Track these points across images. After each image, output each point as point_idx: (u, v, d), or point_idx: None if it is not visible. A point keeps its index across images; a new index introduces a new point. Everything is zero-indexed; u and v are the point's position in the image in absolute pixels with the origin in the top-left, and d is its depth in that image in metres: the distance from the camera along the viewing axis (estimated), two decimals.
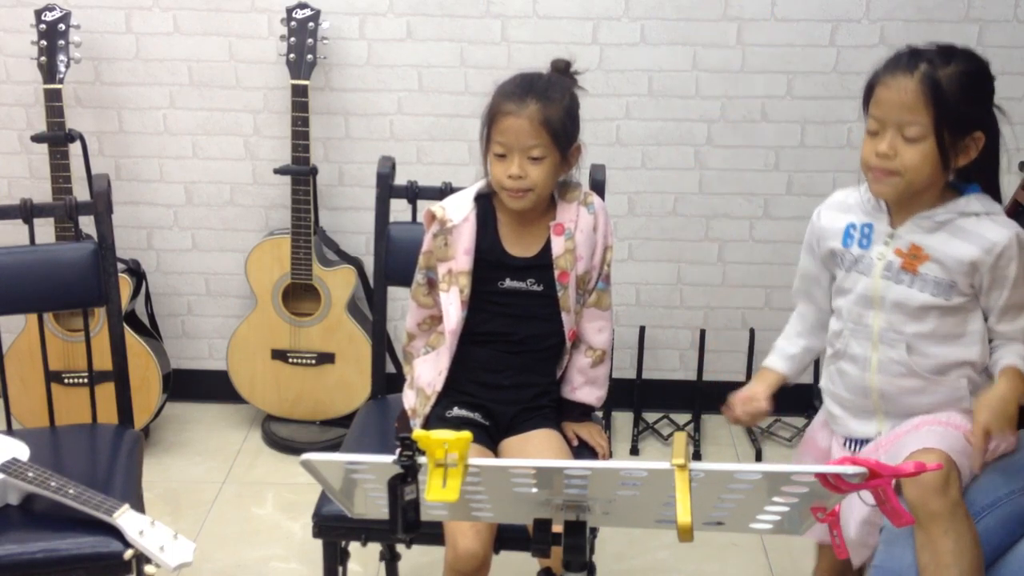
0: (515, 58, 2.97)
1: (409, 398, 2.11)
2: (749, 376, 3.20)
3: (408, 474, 1.15)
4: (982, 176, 1.81)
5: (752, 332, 3.17)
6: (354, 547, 2.12)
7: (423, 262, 2.07)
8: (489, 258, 2.01)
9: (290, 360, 3.08)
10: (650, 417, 3.22)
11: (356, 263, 3.08)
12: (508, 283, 2.02)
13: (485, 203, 2.04)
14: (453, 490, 1.11)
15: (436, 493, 1.12)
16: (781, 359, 2.06)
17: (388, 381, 2.36)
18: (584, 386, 2.10)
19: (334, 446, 3.09)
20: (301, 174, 2.93)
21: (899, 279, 1.81)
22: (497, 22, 2.95)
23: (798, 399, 3.19)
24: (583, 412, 2.12)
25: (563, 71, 2.04)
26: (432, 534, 1.93)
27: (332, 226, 3.14)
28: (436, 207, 2.01)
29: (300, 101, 2.88)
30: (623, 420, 3.19)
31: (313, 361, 3.08)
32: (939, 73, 1.70)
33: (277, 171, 2.95)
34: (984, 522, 1.68)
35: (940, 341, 1.82)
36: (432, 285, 2.07)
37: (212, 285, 3.24)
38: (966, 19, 2.90)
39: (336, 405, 3.12)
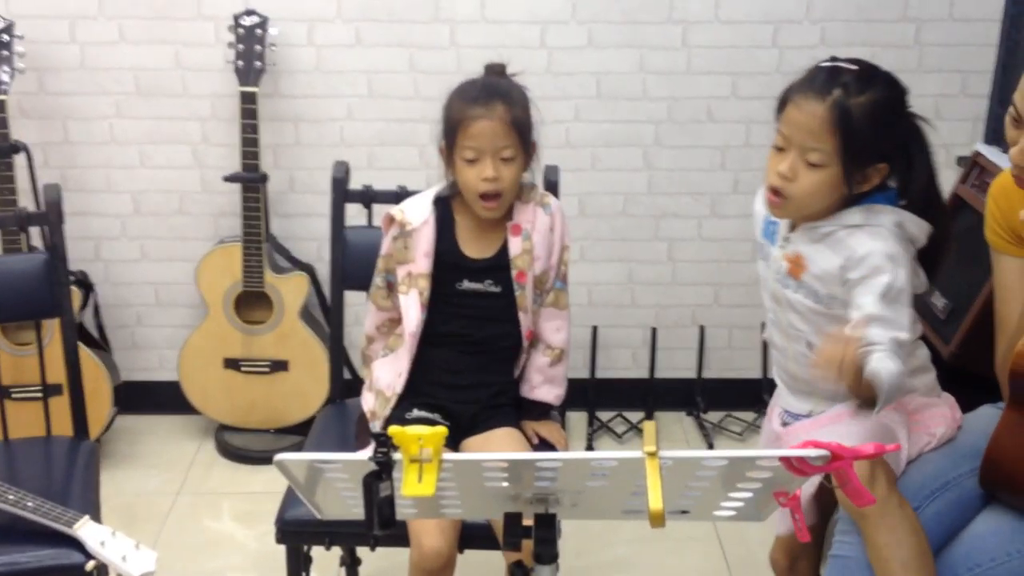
0: (464, 63, 2.98)
1: (368, 401, 2.12)
2: (700, 372, 3.26)
3: (383, 471, 1.16)
4: (912, 186, 1.77)
5: (702, 329, 3.22)
6: (314, 554, 2.12)
7: (382, 265, 2.08)
8: (447, 260, 2.03)
9: (243, 369, 3.07)
10: (604, 416, 3.25)
11: (309, 270, 3.07)
12: (466, 284, 2.03)
13: (443, 206, 2.05)
14: (429, 484, 1.13)
15: (412, 488, 1.13)
16: None
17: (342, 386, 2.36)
18: (543, 385, 2.12)
19: None
20: (251, 181, 2.92)
21: (786, 284, 1.82)
22: (446, 27, 2.97)
23: (748, 394, 3.25)
24: (542, 411, 2.14)
25: (500, 74, 2.06)
26: (396, 535, 1.94)
27: (283, 233, 3.13)
28: (395, 210, 2.02)
29: (249, 108, 2.87)
30: (577, 419, 3.22)
31: (267, 369, 3.07)
32: (851, 102, 1.66)
33: (227, 179, 2.94)
34: (935, 506, 1.72)
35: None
36: (391, 288, 2.08)
37: (162, 295, 3.21)
38: (903, 19, 2.97)
39: (291, 413, 3.11)
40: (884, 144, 1.72)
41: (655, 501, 1.14)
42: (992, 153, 2.42)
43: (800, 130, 1.69)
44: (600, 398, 3.24)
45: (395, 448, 1.17)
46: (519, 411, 2.12)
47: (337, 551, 2.38)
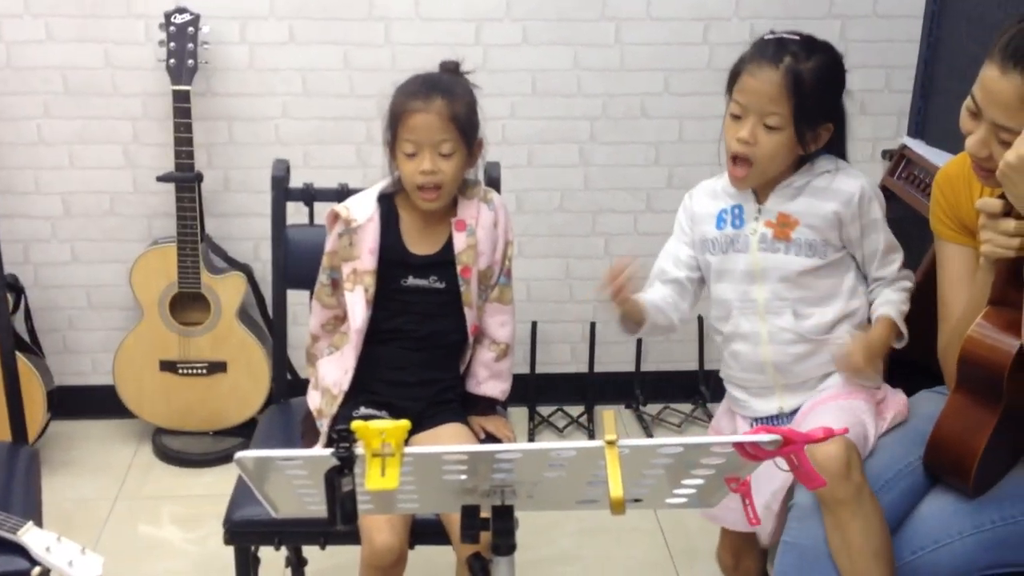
0: (399, 60, 2.98)
1: (314, 399, 2.11)
2: (639, 366, 3.30)
3: (345, 466, 1.16)
4: (844, 145, 1.96)
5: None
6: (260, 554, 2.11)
7: (327, 263, 2.08)
8: (392, 257, 2.03)
9: (180, 371, 3.03)
10: (544, 411, 3.28)
11: (246, 269, 3.04)
12: (411, 281, 2.04)
13: (388, 203, 2.06)
14: (392, 478, 1.13)
15: (376, 482, 1.14)
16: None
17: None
18: (489, 380, 2.14)
19: (230, 456, 3.04)
20: (185, 181, 2.88)
21: (775, 248, 1.91)
22: (380, 24, 2.97)
23: (686, 386, 3.30)
24: (488, 406, 2.16)
25: (453, 71, 2.08)
26: (345, 533, 1.94)
27: (219, 233, 3.10)
28: (340, 207, 2.02)
29: (182, 107, 2.84)
30: (518, 415, 3.24)
31: (204, 370, 3.03)
32: (801, 67, 1.81)
33: (160, 179, 2.90)
34: (890, 495, 1.76)
35: (821, 301, 1.92)
36: (336, 286, 2.08)
37: (94, 298, 3.16)
38: (829, 15, 3.05)
39: (229, 414, 3.08)
40: (830, 105, 1.88)
41: (616, 489, 1.16)
42: (918, 146, 2.49)
43: (758, 96, 1.83)
44: (540, 393, 3.26)
45: (356, 443, 1.17)
46: (465, 407, 2.14)
47: (283, 552, 2.37)
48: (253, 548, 2.07)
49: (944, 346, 1.83)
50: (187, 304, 3.01)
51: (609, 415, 1.19)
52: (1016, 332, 1.62)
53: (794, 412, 1.96)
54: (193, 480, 2.99)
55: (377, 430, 1.13)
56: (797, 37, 1.87)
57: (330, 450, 1.15)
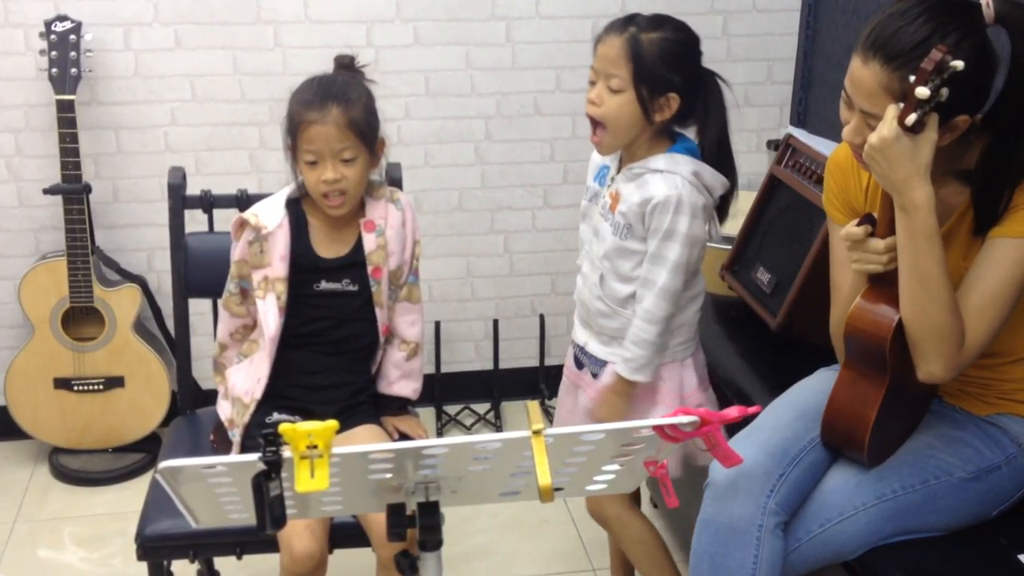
0: (290, 64, 2.96)
1: (225, 409, 2.08)
2: (543, 360, 3.34)
3: (272, 470, 1.16)
4: (708, 132, 2.03)
5: (542, 318, 3.30)
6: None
7: (235, 271, 2.05)
8: (303, 262, 2.02)
9: (75, 388, 2.95)
10: (451, 409, 3.29)
11: (140, 281, 2.98)
12: (324, 285, 2.03)
13: (296, 208, 2.04)
14: (322, 479, 1.13)
15: (306, 484, 1.13)
16: None
17: (175, 398, 2.31)
18: (400, 380, 2.14)
19: (132, 472, 2.99)
20: (73, 193, 2.81)
21: (606, 218, 2.07)
22: (269, 28, 2.93)
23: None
24: (400, 405, 2.17)
25: (348, 67, 2.07)
26: (264, 541, 1.93)
27: (110, 245, 3.02)
28: (248, 215, 2.00)
29: (67, 117, 2.76)
30: (425, 415, 3.24)
31: (100, 386, 2.96)
32: (642, 36, 1.95)
33: (47, 191, 2.82)
34: (795, 472, 1.81)
35: (619, 278, 2.06)
36: (245, 294, 2.06)
37: None
38: (711, 11, 3.14)
39: (129, 430, 3.01)
40: (673, 76, 1.96)
41: (544, 477, 1.18)
42: (803, 135, 2.58)
43: (604, 61, 1.98)
44: (446, 392, 3.27)
45: (282, 446, 1.17)
46: (377, 407, 2.14)
47: (195, 565, 2.33)
48: (167, 562, 2.04)
49: (835, 325, 1.89)
50: (80, 319, 2.93)
51: (534, 405, 1.21)
52: (895, 305, 1.69)
53: (590, 353, 2.14)
54: (94, 499, 2.91)
55: (304, 432, 1.13)
56: (650, 15, 2.00)
57: (257, 455, 1.15)
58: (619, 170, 2.07)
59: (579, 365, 2.20)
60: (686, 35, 2.00)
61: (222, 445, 2.05)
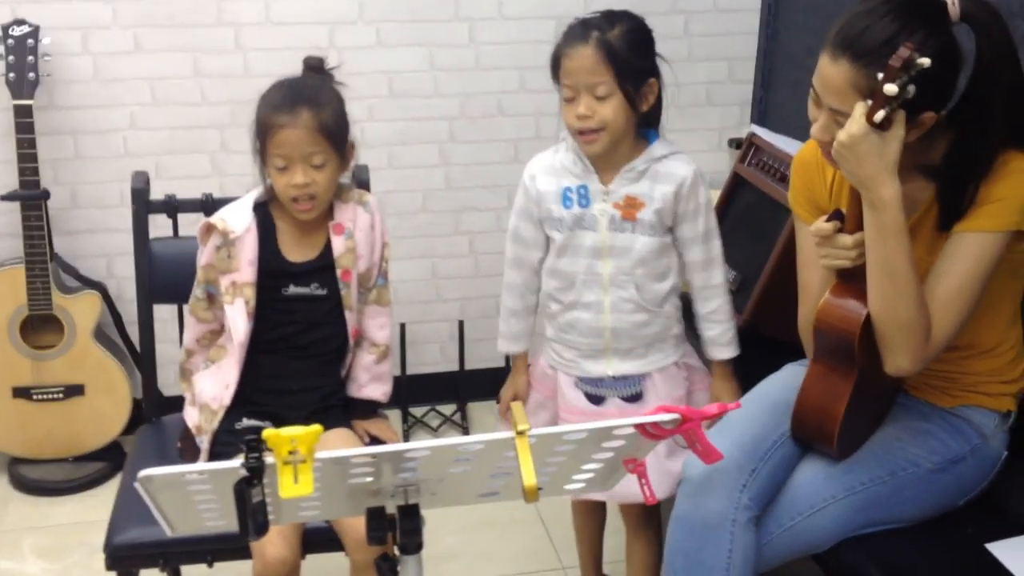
0: (251, 66, 2.93)
1: (192, 416, 2.06)
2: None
3: (254, 476, 1.15)
4: (653, 117, 2.05)
5: None
6: None
7: (202, 276, 2.03)
8: (272, 267, 2.00)
9: (34, 396, 2.90)
10: (417, 411, 3.28)
11: (100, 287, 2.94)
12: (292, 290, 2.01)
13: (263, 212, 2.02)
14: (306, 484, 1.12)
15: (290, 490, 1.13)
16: (516, 341, 2.27)
17: (137, 406, 2.28)
18: (370, 383, 2.13)
19: (93, 481, 2.95)
20: (31, 199, 2.77)
21: (622, 228, 2.03)
22: (230, 30, 2.91)
23: None
24: (370, 409, 2.15)
25: (318, 69, 2.06)
26: (236, 548, 1.91)
27: (69, 251, 2.98)
28: (216, 219, 1.98)
29: (24, 122, 2.72)
30: (391, 417, 3.21)
31: (60, 395, 2.92)
32: (608, 36, 1.94)
33: (4, 197, 2.77)
34: (767, 466, 1.83)
35: (659, 277, 2.07)
36: (212, 299, 2.03)
37: None
38: (673, 11, 3.15)
39: (90, 438, 2.97)
40: (646, 62, 2.00)
41: (528, 477, 1.18)
42: (766, 133, 2.60)
43: (580, 74, 1.95)
44: (412, 394, 3.26)
45: (264, 452, 1.16)
46: (347, 411, 2.12)
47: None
48: (136, 571, 2.01)
49: (803, 322, 1.91)
50: (39, 327, 2.89)
51: (518, 405, 1.21)
52: (863, 300, 1.72)
53: (620, 377, 2.10)
54: (55, 509, 2.87)
55: (287, 437, 1.12)
56: (598, 13, 2.00)
57: (239, 461, 1.14)
58: (604, 181, 2.03)
59: (596, 400, 2.13)
60: (638, 20, 2.02)
61: (189, 452, 2.02)
